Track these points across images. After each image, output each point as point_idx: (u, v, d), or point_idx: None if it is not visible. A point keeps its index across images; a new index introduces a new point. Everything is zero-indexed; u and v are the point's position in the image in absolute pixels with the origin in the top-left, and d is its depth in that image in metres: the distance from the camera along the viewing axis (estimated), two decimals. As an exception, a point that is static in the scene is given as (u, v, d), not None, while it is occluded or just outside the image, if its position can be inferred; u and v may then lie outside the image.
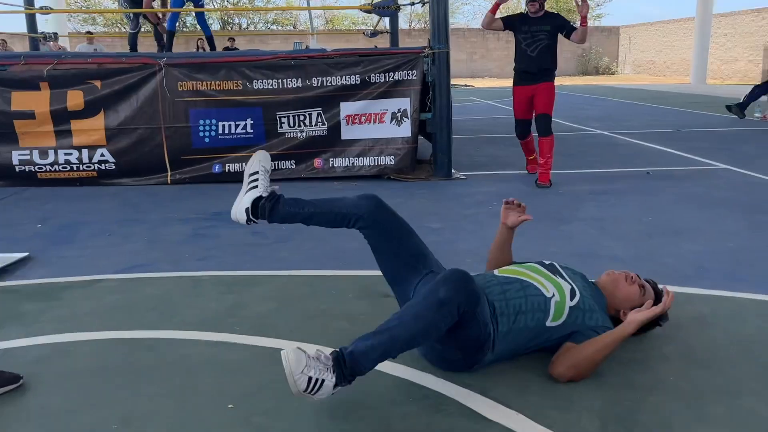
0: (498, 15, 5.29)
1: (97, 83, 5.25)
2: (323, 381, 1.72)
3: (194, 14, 12.75)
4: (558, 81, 5.40)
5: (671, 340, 2.31)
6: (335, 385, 1.74)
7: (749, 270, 3.10)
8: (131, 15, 8.10)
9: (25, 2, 10.29)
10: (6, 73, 5.23)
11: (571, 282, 2.18)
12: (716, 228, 3.86)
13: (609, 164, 6.15)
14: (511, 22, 5.28)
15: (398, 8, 5.68)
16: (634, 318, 2.05)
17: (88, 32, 13.22)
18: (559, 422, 1.81)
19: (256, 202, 2.18)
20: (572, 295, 2.12)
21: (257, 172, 2.23)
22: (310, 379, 1.71)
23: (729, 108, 10.28)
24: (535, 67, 5.16)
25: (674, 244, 3.54)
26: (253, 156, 2.28)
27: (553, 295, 2.10)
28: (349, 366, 1.76)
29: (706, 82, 22.12)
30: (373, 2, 7.89)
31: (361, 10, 11.31)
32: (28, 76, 5.22)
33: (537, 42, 5.14)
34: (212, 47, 8.68)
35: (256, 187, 2.20)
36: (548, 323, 2.06)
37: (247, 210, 2.18)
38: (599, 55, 30.75)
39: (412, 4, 9.63)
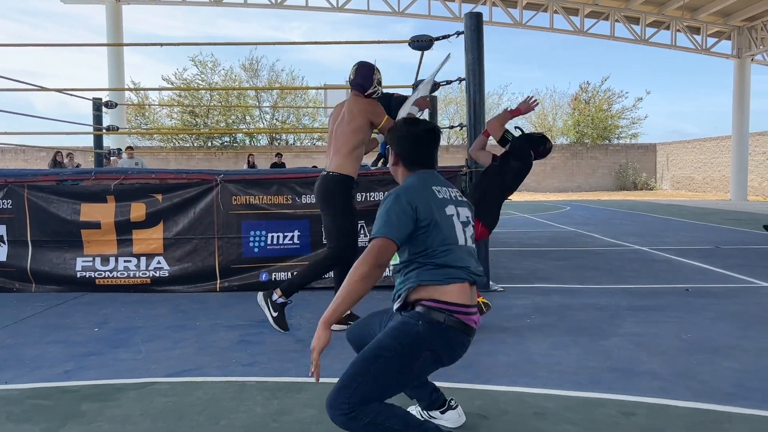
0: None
1: (159, 196, 5.69)
2: None
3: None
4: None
5: (710, 459, 2.32)
6: None
7: (791, 390, 3.07)
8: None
9: (93, 122, 11.34)
10: (78, 187, 5.73)
11: None
12: (756, 346, 3.84)
13: (647, 280, 6.18)
14: None
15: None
16: None
17: (129, 147, 14.91)
18: None
19: None
20: None
21: None
22: None
23: (766, 228, 10.29)
24: None
25: (713, 361, 3.54)
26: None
27: None
28: None
29: (746, 198, 22.07)
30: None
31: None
32: (97, 190, 5.70)
33: None
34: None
35: None
36: None
37: None
38: (636, 171, 31.17)
39: (451, 127, 10.29)
